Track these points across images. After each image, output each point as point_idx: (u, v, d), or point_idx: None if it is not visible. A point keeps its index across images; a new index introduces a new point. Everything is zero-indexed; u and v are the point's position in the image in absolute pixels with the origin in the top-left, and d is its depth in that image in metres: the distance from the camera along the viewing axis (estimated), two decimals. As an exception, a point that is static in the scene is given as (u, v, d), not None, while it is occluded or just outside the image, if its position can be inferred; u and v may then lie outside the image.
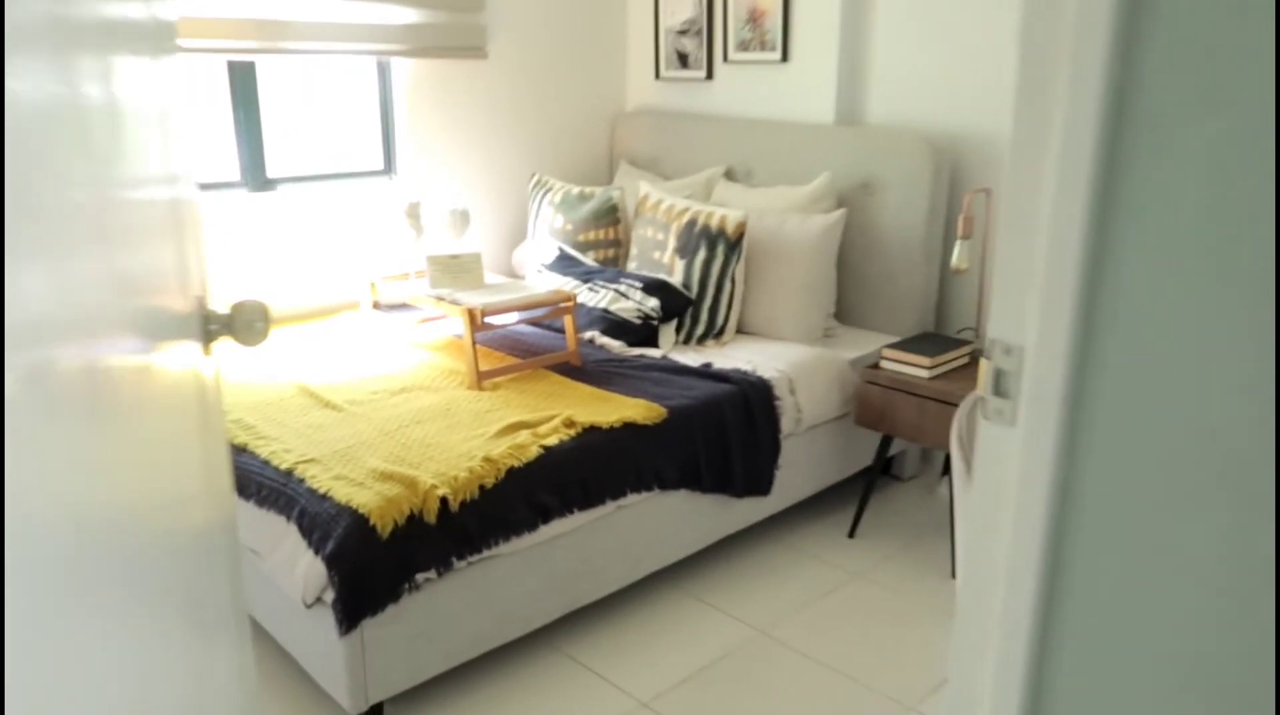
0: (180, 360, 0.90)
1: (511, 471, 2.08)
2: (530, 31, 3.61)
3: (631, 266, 3.15)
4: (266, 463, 2.10)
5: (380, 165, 3.41)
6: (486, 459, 2.08)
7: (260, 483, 2.07)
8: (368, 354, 2.79)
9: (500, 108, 3.60)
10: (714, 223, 2.92)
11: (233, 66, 2.99)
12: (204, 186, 3.01)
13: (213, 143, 3.01)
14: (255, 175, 3.10)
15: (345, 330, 3.00)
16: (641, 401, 2.42)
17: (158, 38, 0.91)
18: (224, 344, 1.06)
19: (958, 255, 2.78)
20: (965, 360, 2.82)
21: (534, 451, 2.15)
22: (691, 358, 2.80)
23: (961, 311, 3.21)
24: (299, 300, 3.19)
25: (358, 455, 2.11)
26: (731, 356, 2.82)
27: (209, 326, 1.02)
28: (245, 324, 1.04)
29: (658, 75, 3.84)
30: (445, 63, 3.41)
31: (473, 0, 3.36)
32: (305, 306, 3.21)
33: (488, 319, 2.59)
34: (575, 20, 3.74)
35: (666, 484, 2.40)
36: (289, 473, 2.05)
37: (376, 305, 3.14)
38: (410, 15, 3.23)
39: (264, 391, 2.50)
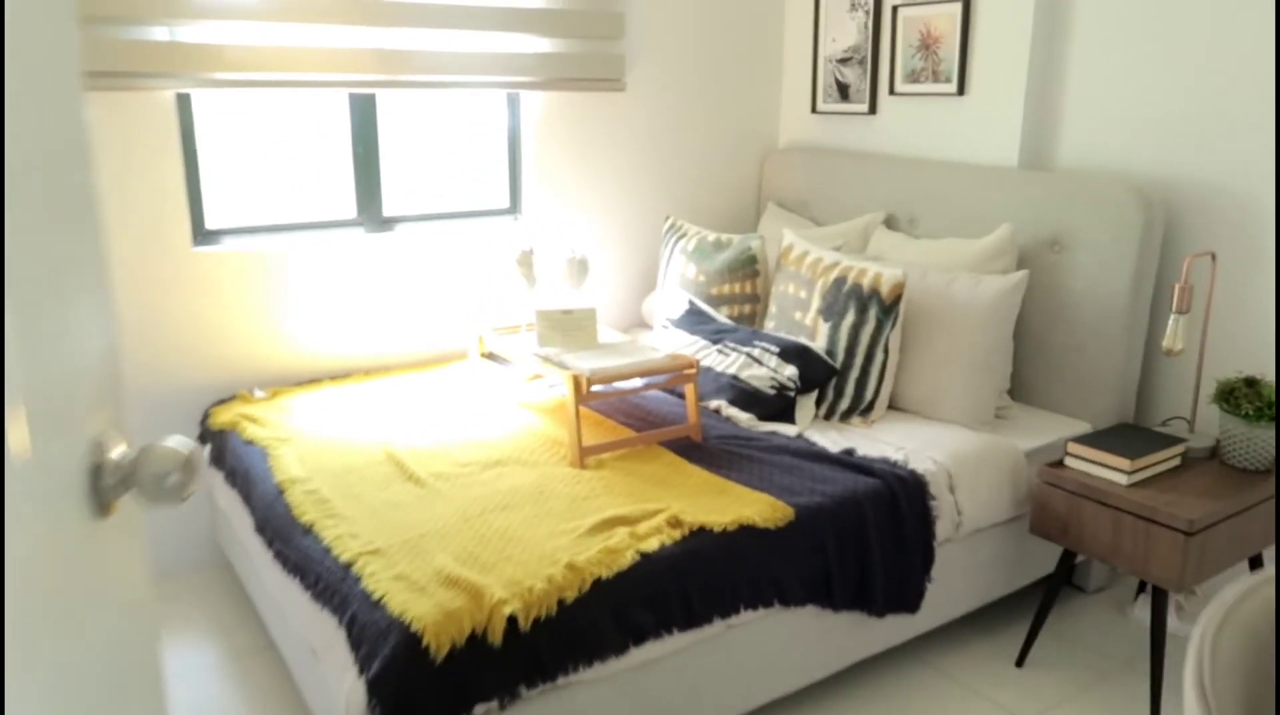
0: (41, 539, 0.62)
1: (599, 583, 1.75)
2: (673, 61, 3.31)
3: (769, 326, 2.77)
4: (328, 551, 1.86)
5: (505, 204, 3.18)
6: (570, 566, 1.75)
7: (319, 574, 1.82)
8: (469, 412, 2.54)
9: (637, 143, 3.31)
10: (866, 281, 2.51)
11: (353, 99, 2.83)
12: (317, 225, 2.85)
13: (329, 180, 2.86)
14: (372, 214, 2.92)
15: (452, 382, 2.77)
16: (765, 497, 2.04)
17: None
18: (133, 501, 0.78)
19: (1172, 333, 2.25)
20: (1176, 462, 2.28)
21: (629, 557, 1.81)
22: (832, 439, 2.39)
23: (1169, 397, 2.65)
24: (410, 345, 2.99)
25: (427, 548, 1.83)
26: (879, 440, 2.40)
27: (101, 482, 0.74)
28: (153, 479, 0.75)
29: (814, 108, 3.45)
30: (579, 95, 3.15)
31: (612, 27, 3.09)
32: (417, 352, 3.00)
33: (597, 388, 2.28)
34: (725, 48, 3.42)
35: (790, 599, 2.00)
36: (348, 567, 1.79)
37: (488, 355, 2.90)
38: (544, 45, 2.99)
39: (349, 454, 2.27)
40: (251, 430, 2.43)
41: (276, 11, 2.54)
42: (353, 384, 2.77)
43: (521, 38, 2.95)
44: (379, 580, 1.73)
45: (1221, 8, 2.38)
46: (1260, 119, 2.35)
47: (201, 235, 2.69)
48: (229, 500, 2.39)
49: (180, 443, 0.78)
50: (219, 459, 2.48)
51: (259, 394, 2.65)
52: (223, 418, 2.56)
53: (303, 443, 2.34)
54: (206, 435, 2.60)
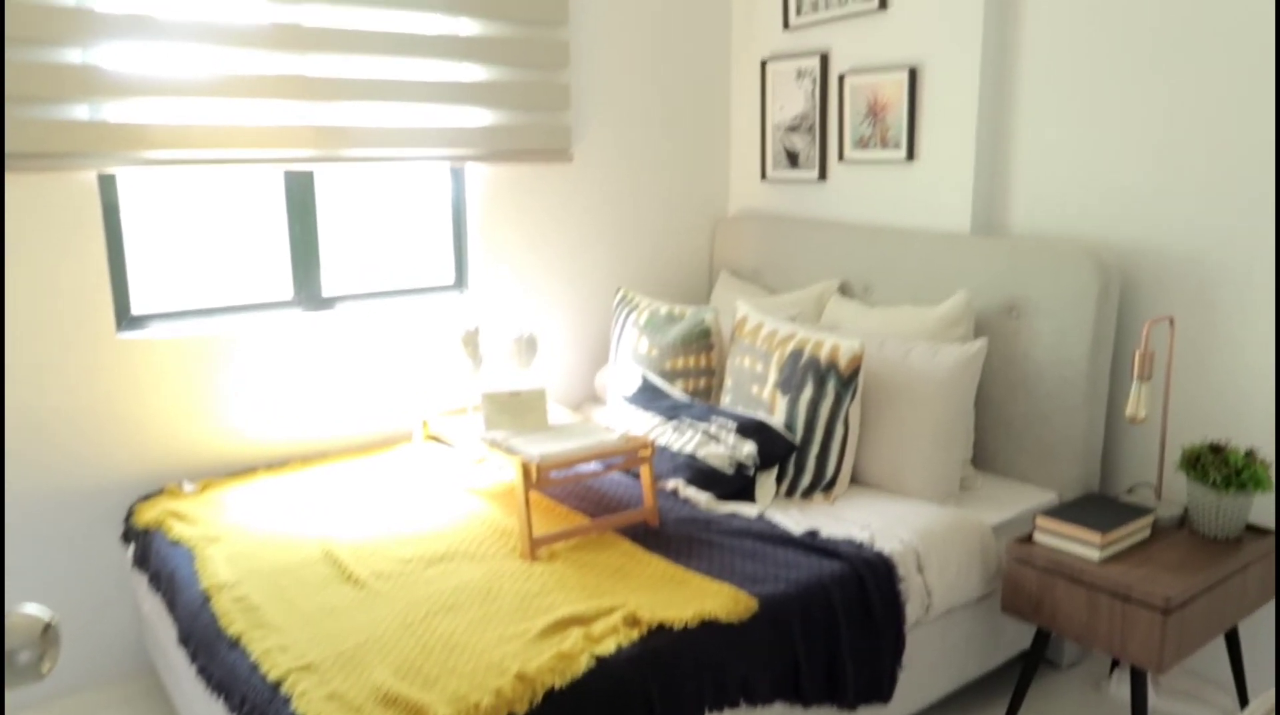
0: None
1: (551, 694, 1.62)
2: (621, 130, 3.27)
3: (725, 401, 2.68)
4: (256, 667, 1.70)
5: (451, 279, 3.08)
6: (520, 676, 1.62)
7: (245, 694, 1.67)
8: (413, 501, 2.40)
9: (586, 214, 3.24)
10: (823, 353, 2.44)
11: (289, 176, 2.73)
12: (251, 307, 2.72)
13: (264, 259, 2.74)
14: (310, 293, 2.81)
15: (395, 468, 2.64)
16: (727, 588, 1.93)
17: None
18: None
19: (1135, 400, 2.21)
20: (1146, 533, 2.22)
21: (583, 663, 1.68)
22: (794, 519, 2.29)
23: (1134, 464, 2.60)
24: (351, 430, 2.85)
25: (366, 660, 1.69)
26: (843, 518, 2.30)
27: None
28: (10, 655, 0.63)
29: (764, 176, 3.42)
30: (526, 166, 3.09)
31: (558, 98, 3.04)
32: (358, 437, 2.87)
33: (549, 473, 2.17)
34: (672, 116, 3.39)
35: (757, 698, 1.88)
36: (277, 686, 1.64)
37: (434, 438, 2.77)
38: (488, 117, 2.93)
39: (283, 553, 2.13)
40: (179, 529, 2.27)
41: (207, 87, 2.45)
42: (290, 473, 2.62)
43: (466, 110, 2.88)
44: (310, 701, 1.58)
45: (1168, 71, 2.39)
46: (1210, 181, 2.35)
47: (127, 321, 2.55)
48: (154, 606, 2.22)
49: (38, 610, 0.66)
50: (143, 561, 2.32)
51: (188, 488, 2.49)
52: (148, 515, 2.39)
53: (234, 541, 2.19)
54: (131, 534, 2.43)
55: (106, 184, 2.47)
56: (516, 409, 2.35)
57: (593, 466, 2.30)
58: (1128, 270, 2.53)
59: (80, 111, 2.33)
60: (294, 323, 2.73)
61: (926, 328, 2.61)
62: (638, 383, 2.81)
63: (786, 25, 3.24)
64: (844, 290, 3.03)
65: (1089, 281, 2.41)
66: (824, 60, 3.12)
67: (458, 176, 3.03)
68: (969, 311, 2.59)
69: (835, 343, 2.44)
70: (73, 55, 2.30)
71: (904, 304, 2.82)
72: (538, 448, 2.20)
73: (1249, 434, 2.36)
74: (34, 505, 2.44)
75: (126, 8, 2.33)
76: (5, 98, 2.21)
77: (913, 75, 2.85)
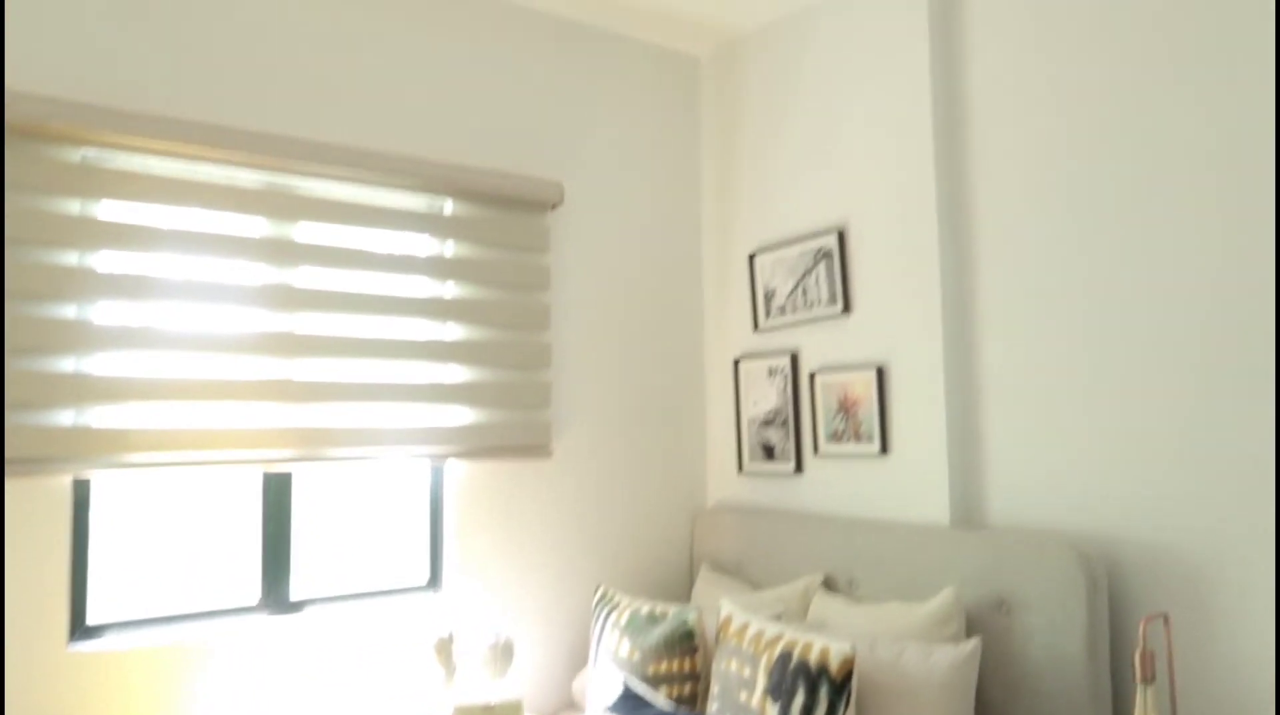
0: None
1: None
2: (600, 426, 3.34)
3: (712, 709, 2.53)
4: None
5: (425, 579, 2.99)
6: None
7: None
8: (373, 837, 2.17)
9: (565, 510, 3.23)
10: (813, 656, 2.34)
11: (268, 477, 2.72)
12: (214, 613, 2.61)
13: (231, 561, 2.66)
14: (278, 597, 2.71)
15: (356, 795, 2.41)
16: None
17: None
18: None
19: (1141, 707, 2.10)
20: None
21: None
22: None
23: (1150, 771, 2.43)
24: (311, 748, 2.64)
25: None
26: None
27: None
28: None
29: (741, 469, 3.46)
30: (505, 462, 3.11)
31: (538, 397, 3.13)
32: (318, 756, 2.65)
33: (522, 799, 1.98)
34: (649, 412, 3.47)
35: None
36: None
37: (401, 757, 2.56)
38: (469, 416, 2.99)
39: None
40: None
41: (191, 391, 2.50)
42: (238, 801, 2.39)
43: (447, 409, 2.95)
44: None
45: (1129, 359, 2.51)
46: (1184, 472, 2.39)
47: (81, 630, 2.42)
48: None
49: None
50: None
51: (123, 822, 2.25)
52: None
53: None
54: None
55: (80, 484, 2.44)
56: (490, 724, 2.20)
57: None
58: (1114, 563, 2.51)
59: (65, 417, 2.35)
60: (259, 629, 2.60)
61: (916, 625, 2.53)
62: (619, 690, 2.66)
63: (756, 327, 3.42)
64: (828, 584, 2.97)
65: (1075, 576, 2.38)
66: (794, 359, 3.27)
67: (437, 472, 3.04)
68: (958, 608, 2.52)
69: (825, 645, 2.34)
70: (65, 364, 2.36)
71: (891, 600, 2.76)
72: (512, 770, 2.04)
73: (1266, 739, 2.23)
74: None
75: (117, 320, 2.43)
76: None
77: (880, 373, 2.97)
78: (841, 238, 3.12)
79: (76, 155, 2.41)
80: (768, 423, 3.37)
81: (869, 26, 3.10)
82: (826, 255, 3.17)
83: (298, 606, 2.74)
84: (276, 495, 2.73)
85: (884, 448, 2.97)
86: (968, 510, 2.84)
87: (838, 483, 3.13)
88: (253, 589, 2.68)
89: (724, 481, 3.57)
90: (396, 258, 2.88)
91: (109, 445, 2.38)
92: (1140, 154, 2.50)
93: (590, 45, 3.45)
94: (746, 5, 3.33)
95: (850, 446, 3.07)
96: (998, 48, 2.83)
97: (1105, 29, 2.58)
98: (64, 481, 2.37)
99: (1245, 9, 2.31)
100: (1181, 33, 2.43)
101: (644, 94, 3.59)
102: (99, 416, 2.39)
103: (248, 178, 2.67)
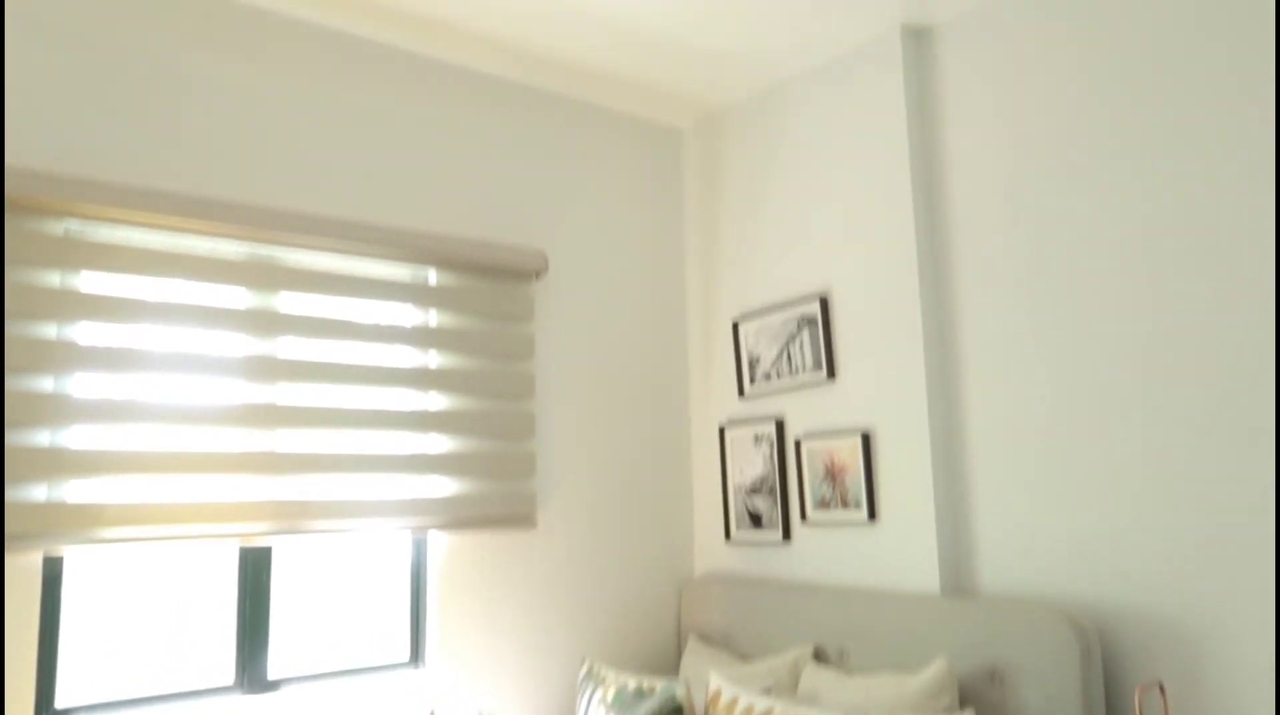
0: None
1: None
2: (585, 495, 3.30)
3: (702, 788, 2.45)
4: None
5: (406, 655, 2.92)
6: None
7: None
8: None
9: (549, 582, 3.17)
10: (804, 732, 2.28)
11: (245, 552, 2.67)
12: (186, 695, 2.53)
13: (208, 640, 2.59)
14: (254, 676, 2.63)
15: None
16: None
17: None
18: None
19: (1141, 780, 2.05)
20: None
21: None
22: None
23: None
24: (286, 836, 2.54)
25: None
26: None
27: None
28: None
29: (728, 537, 3.42)
30: (489, 533, 3.06)
31: (522, 467, 3.09)
32: None
33: None
34: (635, 481, 3.44)
35: None
36: None
37: None
38: (452, 486, 2.95)
39: None
40: None
41: (169, 464, 2.46)
42: None
43: (430, 479, 2.91)
44: None
45: (1114, 419, 2.51)
46: (1178, 537, 2.37)
47: (49, 714, 2.34)
48: None
49: None
50: None
51: None
52: None
53: None
54: None
55: (51, 560, 2.38)
56: (472, 808, 2.12)
57: None
58: (1108, 629, 2.47)
59: (38, 492, 2.30)
60: (235, 709, 2.52)
61: (909, 698, 2.48)
62: (605, 769, 2.58)
63: (742, 394, 3.41)
64: (819, 655, 2.91)
65: (1068, 646, 2.34)
66: (779, 426, 3.25)
67: (419, 544, 2.99)
68: (951, 680, 2.47)
69: (816, 719, 2.28)
70: (41, 437, 2.33)
71: (883, 671, 2.70)
72: None
73: (1270, 813, 2.17)
74: None
75: (97, 394, 2.40)
76: (-37, 481, 2.18)
77: (866, 439, 2.96)
78: (824, 304, 3.14)
79: (60, 227, 2.41)
80: (755, 490, 3.34)
81: (847, 97, 3.17)
82: (810, 322, 3.18)
83: (275, 685, 2.66)
84: (254, 570, 2.67)
85: (872, 514, 2.94)
86: (958, 577, 2.81)
87: (826, 551, 3.10)
88: (228, 667, 2.61)
89: (711, 550, 3.52)
90: (380, 327, 2.87)
91: (83, 520, 2.33)
92: (1123, 212, 2.53)
93: (574, 117, 3.50)
94: (728, 79, 3.40)
95: (838, 514, 3.04)
96: (973, 114, 2.89)
97: (1076, 92, 2.64)
98: (34, 559, 2.31)
99: (1216, 65, 2.37)
100: (1156, 95, 2.48)
101: (627, 164, 3.64)
102: (73, 491, 2.35)
103: (231, 249, 2.67)
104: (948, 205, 2.94)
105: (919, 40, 3.05)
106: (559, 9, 2.89)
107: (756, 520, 3.32)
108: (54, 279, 2.39)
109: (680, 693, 2.63)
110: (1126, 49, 2.54)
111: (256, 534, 2.57)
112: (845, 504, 3.02)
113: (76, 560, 2.44)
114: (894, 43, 3.02)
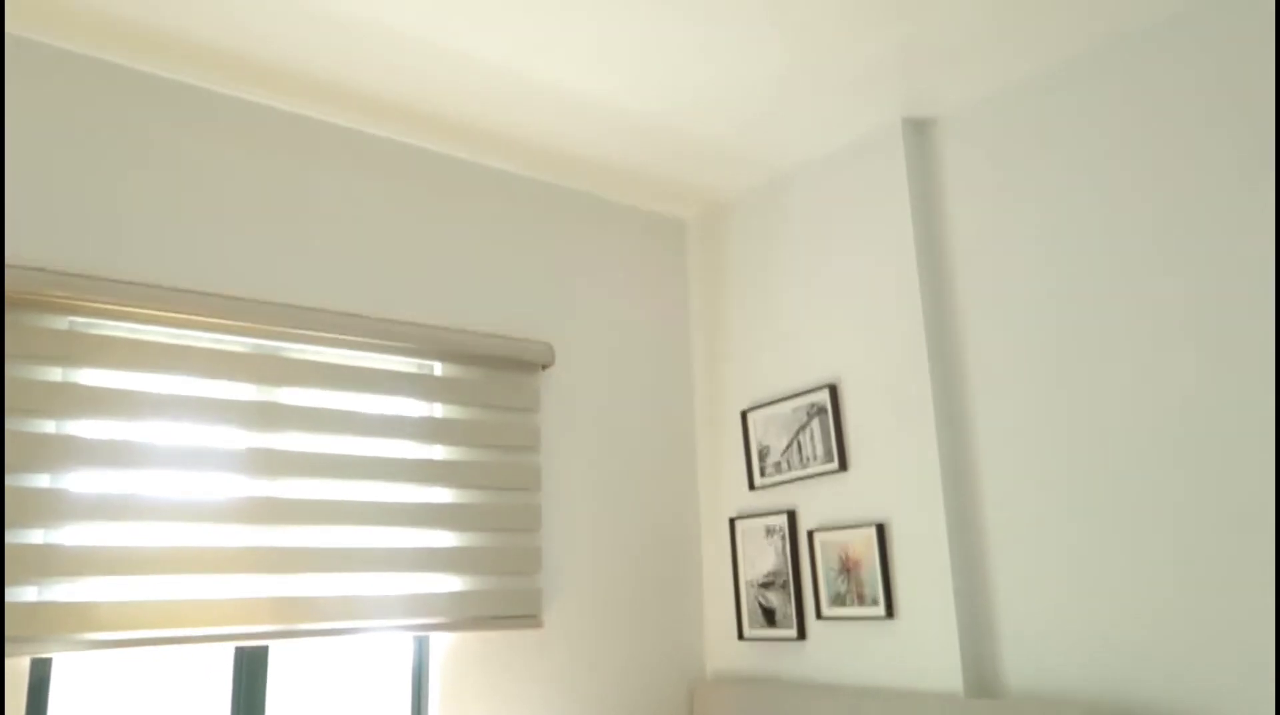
0: None
1: None
2: (592, 592, 3.20)
3: None
4: None
5: (406, 763, 2.79)
6: None
7: None
8: None
9: (556, 684, 3.05)
10: None
11: (240, 654, 2.58)
12: (174, 808, 2.41)
13: (200, 748, 2.48)
14: (246, 787, 2.51)
15: None
16: None
17: None
18: None
19: None
20: None
21: None
22: None
23: None
24: None
25: None
26: None
27: None
28: None
29: (741, 635, 3.30)
30: (494, 633, 2.96)
31: (528, 562, 3.01)
32: None
33: None
34: (644, 576, 3.34)
35: None
36: None
37: None
38: (455, 584, 2.87)
39: None
40: None
41: (163, 563, 2.39)
42: None
43: (432, 577, 2.83)
44: None
45: (1130, 508, 2.43)
46: (1197, 625, 2.27)
47: (27, 831, 2.22)
48: None
49: None
50: None
51: None
52: None
53: None
54: None
55: (39, 663, 2.30)
56: None
57: None
58: (1141, 733, 2.35)
59: (28, 593, 2.23)
60: (221, 825, 2.39)
61: (936, 808, 2.33)
62: None
63: (752, 486, 3.34)
64: (839, 762, 2.77)
65: (1103, 749, 2.21)
66: (791, 517, 3.17)
67: (421, 644, 2.88)
68: (980, 787, 2.34)
69: (837, 832, 2.15)
70: (34, 536, 2.27)
71: (906, 778, 2.56)
72: None
73: None
74: None
75: (91, 489, 2.35)
76: (-49, 582, 2.12)
77: (881, 531, 2.88)
78: (834, 393, 3.10)
79: (64, 322, 2.40)
80: (767, 585, 3.24)
81: (850, 186, 3.19)
82: (820, 411, 3.13)
83: (266, 798, 2.53)
84: (249, 672, 2.57)
85: (889, 611, 2.83)
86: (981, 675, 2.68)
87: (843, 649, 2.98)
88: (218, 779, 2.49)
89: (723, 649, 3.39)
90: (384, 420, 2.84)
91: (74, 622, 2.25)
92: (1130, 297, 2.50)
93: (578, 209, 3.53)
94: (730, 170, 3.44)
95: (854, 609, 2.93)
96: (977, 202, 2.90)
97: (1080, 176, 2.64)
98: (21, 663, 2.23)
99: (1228, 154, 2.37)
100: (1165, 178, 2.48)
101: (632, 255, 3.65)
102: (64, 591, 2.28)
103: (234, 343, 2.66)
104: (956, 293, 2.92)
105: (920, 131, 3.08)
106: (561, 103, 2.94)
107: (770, 616, 3.21)
108: (55, 374, 2.37)
109: (693, 803, 2.49)
110: (1125, 139, 2.56)
111: (252, 636, 2.48)
112: (862, 600, 2.92)
113: (65, 662, 2.35)
114: (896, 134, 3.05)
